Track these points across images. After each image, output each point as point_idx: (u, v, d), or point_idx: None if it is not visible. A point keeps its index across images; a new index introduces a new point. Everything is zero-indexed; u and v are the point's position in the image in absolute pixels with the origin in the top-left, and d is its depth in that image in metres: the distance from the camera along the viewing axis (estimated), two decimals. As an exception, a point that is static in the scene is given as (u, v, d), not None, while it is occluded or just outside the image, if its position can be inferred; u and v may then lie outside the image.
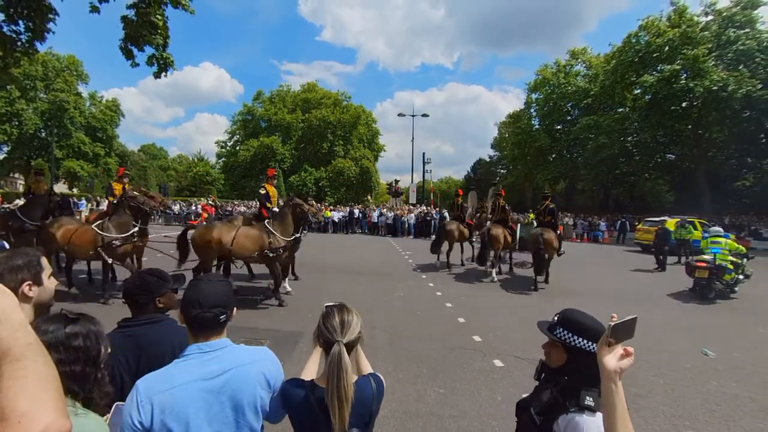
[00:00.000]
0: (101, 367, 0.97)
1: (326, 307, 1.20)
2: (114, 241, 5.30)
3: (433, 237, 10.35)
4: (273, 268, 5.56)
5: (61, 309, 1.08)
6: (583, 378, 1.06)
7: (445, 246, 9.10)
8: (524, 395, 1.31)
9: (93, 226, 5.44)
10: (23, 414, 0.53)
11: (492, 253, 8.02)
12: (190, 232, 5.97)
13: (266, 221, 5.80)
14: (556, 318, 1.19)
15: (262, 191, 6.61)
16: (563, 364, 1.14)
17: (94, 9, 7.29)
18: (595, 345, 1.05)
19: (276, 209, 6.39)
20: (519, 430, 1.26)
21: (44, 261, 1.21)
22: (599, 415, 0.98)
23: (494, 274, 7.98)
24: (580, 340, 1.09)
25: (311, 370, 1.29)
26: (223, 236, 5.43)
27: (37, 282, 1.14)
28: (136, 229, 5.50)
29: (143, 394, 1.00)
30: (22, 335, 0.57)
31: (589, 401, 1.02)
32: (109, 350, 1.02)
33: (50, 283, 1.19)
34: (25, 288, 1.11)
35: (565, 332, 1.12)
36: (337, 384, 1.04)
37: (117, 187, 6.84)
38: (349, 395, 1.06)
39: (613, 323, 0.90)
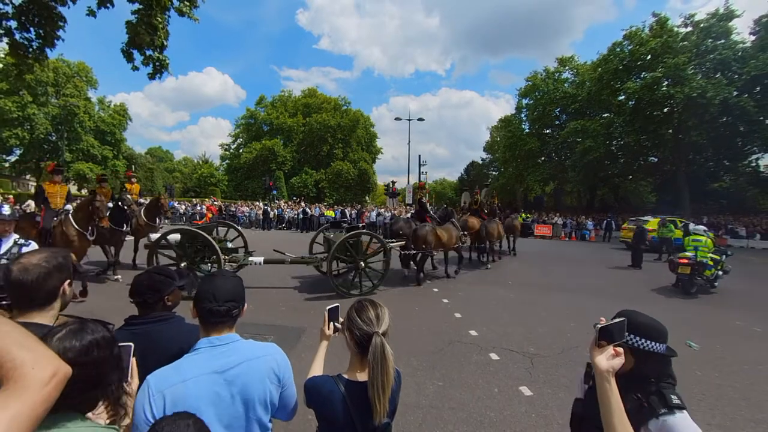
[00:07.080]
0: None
1: (358, 301, 1.23)
2: None
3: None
4: None
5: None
6: (659, 379, 1.05)
7: None
8: (578, 397, 1.22)
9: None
10: (30, 361, 0.56)
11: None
12: None
13: None
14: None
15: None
16: (631, 368, 1.07)
17: (91, 12, 7.34)
18: (660, 345, 1.06)
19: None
20: None
21: None
22: (685, 413, 0.98)
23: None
24: (649, 342, 1.06)
25: (319, 366, 1.31)
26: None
27: (71, 281, 1.16)
28: None
29: (155, 388, 0.99)
30: None
31: (676, 400, 0.99)
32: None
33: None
34: (65, 286, 1.12)
35: (635, 337, 1.07)
36: (381, 373, 1.07)
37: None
38: (391, 383, 1.10)
39: (600, 326, 0.94)
